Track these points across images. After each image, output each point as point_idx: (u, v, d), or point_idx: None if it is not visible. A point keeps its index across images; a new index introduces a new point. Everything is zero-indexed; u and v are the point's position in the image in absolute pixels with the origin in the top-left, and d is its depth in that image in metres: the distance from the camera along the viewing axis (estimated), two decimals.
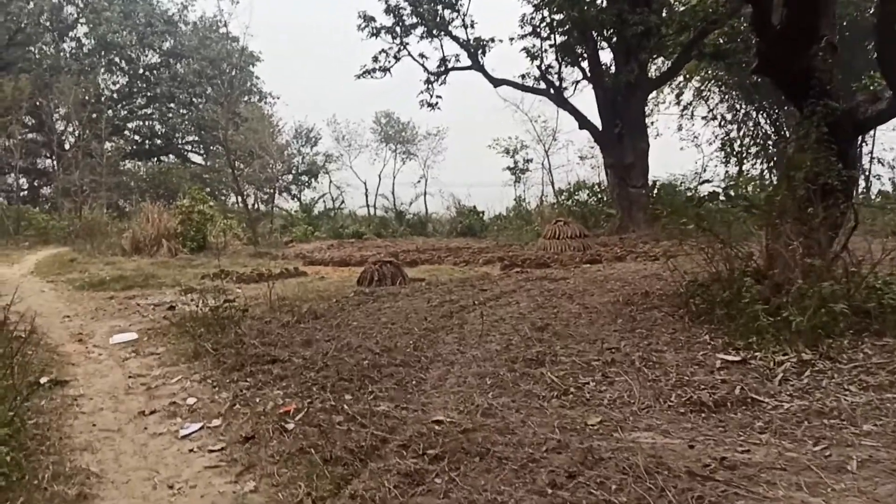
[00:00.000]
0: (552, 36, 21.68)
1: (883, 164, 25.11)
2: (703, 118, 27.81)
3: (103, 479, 3.58)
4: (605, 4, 19.25)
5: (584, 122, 21.64)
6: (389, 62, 24.26)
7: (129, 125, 38.77)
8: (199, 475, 3.58)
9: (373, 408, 4.23)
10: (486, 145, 29.99)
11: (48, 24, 33.41)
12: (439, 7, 23.05)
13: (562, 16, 20.25)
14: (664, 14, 18.98)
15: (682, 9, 18.45)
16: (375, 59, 24.23)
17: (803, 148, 6.67)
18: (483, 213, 28.58)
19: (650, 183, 21.51)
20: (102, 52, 34.69)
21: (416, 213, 32.75)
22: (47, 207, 30.08)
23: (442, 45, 24.00)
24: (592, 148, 26.75)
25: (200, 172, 37.46)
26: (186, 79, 35.71)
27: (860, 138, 10.32)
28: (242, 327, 6.86)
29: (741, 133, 27.33)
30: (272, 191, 32.51)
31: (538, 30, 21.85)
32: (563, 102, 22.54)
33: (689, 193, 21.75)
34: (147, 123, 39.91)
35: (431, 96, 24.55)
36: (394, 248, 19.56)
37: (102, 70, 35.71)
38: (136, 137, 38.91)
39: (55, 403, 4.87)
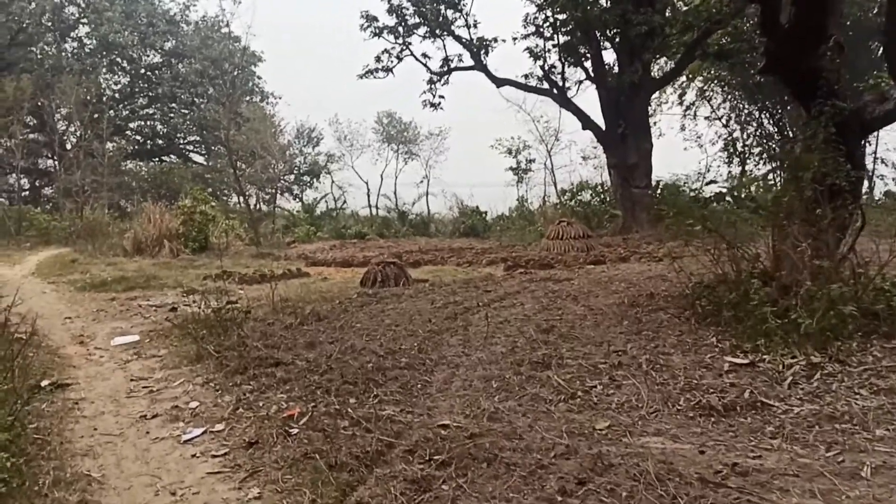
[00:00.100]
0: (555, 36, 21.59)
1: (886, 165, 25.07)
2: (706, 118, 27.79)
3: (105, 486, 3.53)
4: (608, 4, 19.16)
5: (587, 123, 21.56)
6: (392, 62, 24.20)
7: (131, 125, 38.74)
8: (202, 481, 3.53)
9: (378, 412, 4.18)
10: (488, 145, 29.99)
11: (50, 24, 33.38)
12: (442, 7, 22.97)
13: (565, 16, 20.15)
14: (668, 14, 18.90)
15: (685, 9, 18.37)
16: (378, 59, 24.17)
17: (810, 148, 6.60)
18: (486, 213, 28.53)
19: (653, 183, 21.43)
20: (104, 52, 34.65)
21: (419, 213, 32.67)
22: (49, 208, 30.07)
23: (445, 45, 23.95)
24: (595, 148, 26.75)
25: (202, 173, 37.43)
26: (188, 79, 35.66)
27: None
28: (245, 329, 6.81)
29: (744, 133, 27.30)
30: (274, 191, 32.49)
31: (541, 29, 21.77)
32: (566, 103, 22.46)
33: (692, 194, 21.72)
34: (149, 123, 39.88)
35: (434, 96, 24.48)
36: (396, 249, 19.49)
37: (104, 70, 35.66)
38: (138, 137, 38.85)
39: (56, 407, 4.83)
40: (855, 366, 4.69)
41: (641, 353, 5.40)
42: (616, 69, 21.22)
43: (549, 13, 21.07)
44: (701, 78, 26.20)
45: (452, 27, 23.27)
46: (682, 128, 28.29)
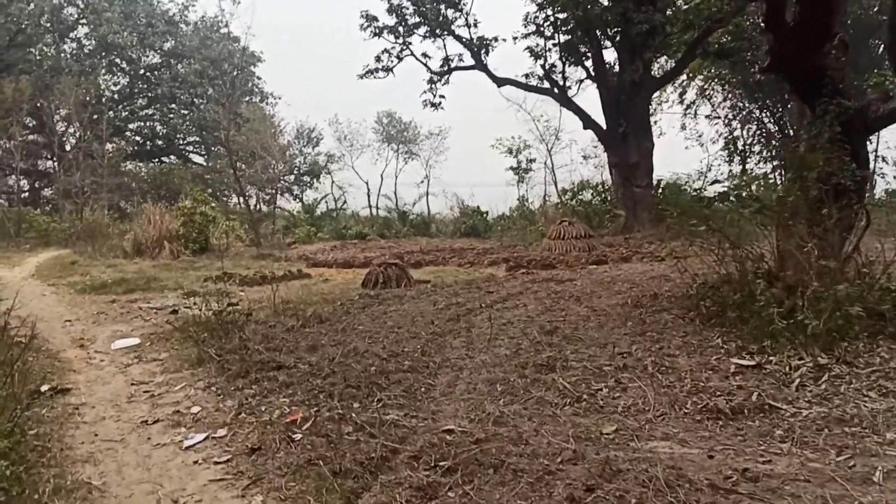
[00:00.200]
0: (556, 35, 21.57)
1: (888, 163, 25.02)
2: (707, 117, 27.75)
3: (105, 493, 3.49)
4: (609, 3, 19.13)
5: (588, 122, 21.53)
6: (392, 62, 24.18)
7: (131, 126, 38.71)
8: (205, 489, 3.49)
9: (382, 416, 4.13)
10: (488, 145, 29.97)
11: (49, 25, 33.34)
12: (442, 6, 22.94)
13: (565, 14, 20.13)
14: (669, 12, 18.84)
15: (686, 7, 18.29)
16: (378, 59, 24.15)
17: (815, 148, 6.56)
18: (487, 213, 28.49)
19: (654, 182, 21.39)
20: (103, 53, 34.62)
21: (419, 213, 32.66)
22: (48, 209, 30.04)
23: (445, 45, 23.96)
24: (596, 147, 26.73)
25: (202, 173, 37.40)
26: (187, 79, 35.60)
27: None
28: (246, 332, 6.76)
29: (745, 131, 27.25)
30: (274, 191, 32.44)
31: (542, 29, 21.75)
32: (566, 102, 22.43)
33: (694, 193, 21.66)
34: (148, 124, 39.87)
35: (435, 96, 24.49)
36: (398, 250, 19.46)
37: (103, 71, 35.65)
38: (138, 138, 38.85)
39: (56, 412, 4.79)
40: (862, 367, 4.65)
41: (646, 354, 5.35)
42: (617, 68, 21.21)
43: (549, 12, 21.06)
44: (701, 76, 26.16)
45: (453, 27, 23.25)
46: (683, 126, 28.29)
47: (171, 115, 38.52)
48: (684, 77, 25.55)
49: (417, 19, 23.39)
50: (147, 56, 37.24)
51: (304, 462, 3.57)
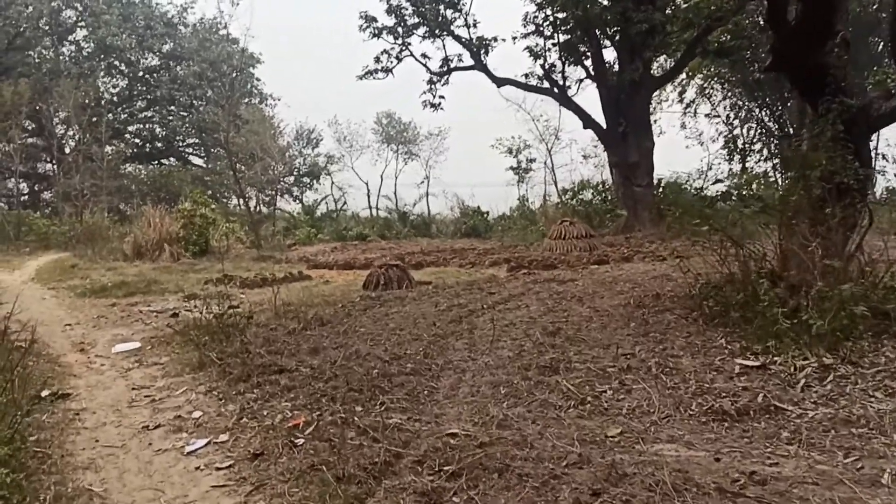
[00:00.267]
0: (555, 35, 21.52)
1: (888, 160, 24.97)
2: (707, 115, 27.71)
3: (107, 500, 3.46)
4: (608, 3, 19.09)
5: (588, 121, 21.49)
6: (391, 63, 24.13)
7: (130, 128, 38.61)
8: (207, 495, 3.46)
9: (385, 420, 4.10)
10: (488, 145, 29.90)
11: (47, 27, 33.28)
12: (441, 7, 22.90)
13: (565, 14, 20.09)
14: (668, 11, 18.81)
15: (686, 6, 18.27)
16: (377, 60, 24.10)
17: (817, 146, 6.54)
18: (487, 213, 28.45)
19: (655, 181, 21.36)
20: (102, 56, 34.54)
21: (420, 214, 32.61)
22: (48, 212, 29.98)
23: (444, 45, 23.89)
24: (596, 147, 26.69)
25: (202, 175, 37.31)
26: (186, 81, 35.55)
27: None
28: (248, 335, 6.73)
29: (744, 130, 27.21)
30: (274, 193, 32.39)
31: (541, 28, 21.70)
32: (566, 101, 22.39)
33: (694, 192, 21.65)
34: (147, 126, 39.79)
35: (434, 96, 24.43)
36: (398, 251, 19.43)
37: (102, 73, 35.57)
38: (137, 141, 38.76)
39: (57, 418, 4.76)
40: (867, 367, 4.62)
41: (650, 355, 5.32)
42: (616, 67, 21.17)
43: (548, 12, 21.02)
44: (701, 75, 26.11)
45: (452, 27, 23.21)
46: (683, 125, 28.24)
47: (171, 117, 38.47)
48: (684, 76, 25.50)
49: (416, 20, 23.34)
50: (146, 58, 37.19)
51: (306, 467, 3.54)
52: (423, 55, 24.14)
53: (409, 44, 23.95)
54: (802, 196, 6.31)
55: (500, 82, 23.34)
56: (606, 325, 6.56)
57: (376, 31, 23.58)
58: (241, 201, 29.84)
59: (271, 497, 3.32)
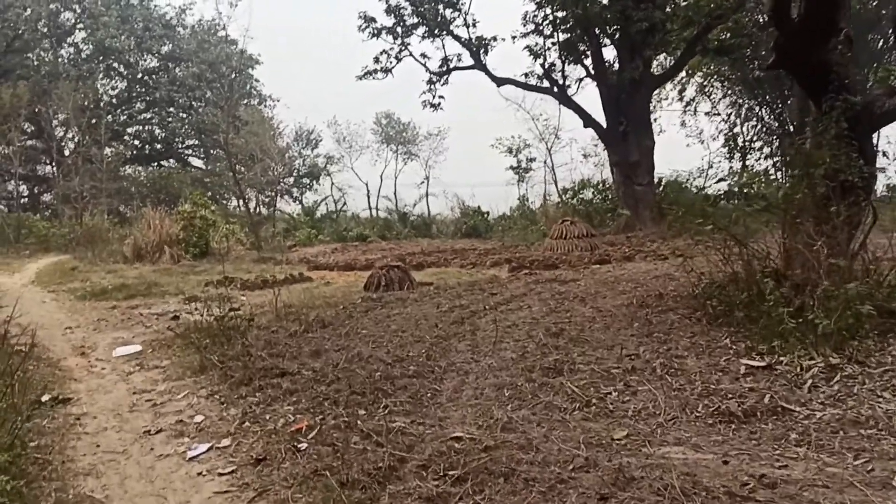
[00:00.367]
0: (555, 34, 21.46)
1: (888, 158, 24.90)
2: (707, 114, 27.67)
3: None
4: (608, 1, 19.04)
5: (588, 120, 21.44)
6: (391, 63, 24.05)
7: (129, 130, 38.57)
8: (210, 501, 3.42)
9: (388, 424, 4.06)
10: (488, 145, 29.83)
11: (46, 30, 33.23)
12: (440, 6, 22.84)
13: (564, 13, 20.05)
14: (668, 9, 18.77)
15: (686, 4, 18.24)
16: (377, 60, 24.02)
17: (821, 144, 6.50)
18: (487, 213, 28.39)
19: (655, 180, 21.32)
20: (101, 58, 34.50)
21: (420, 214, 32.55)
22: (48, 214, 29.95)
23: (444, 45, 23.81)
24: (596, 146, 26.62)
25: (201, 177, 37.27)
26: (185, 83, 35.51)
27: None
28: (249, 338, 6.69)
29: (744, 128, 27.18)
30: (274, 194, 32.35)
31: (541, 27, 21.64)
32: (566, 100, 22.32)
33: (695, 191, 21.61)
34: (147, 128, 39.74)
35: (434, 96, 24.35)
36: (399, 251, 19.40)
37: (101, 75, 35.50)
38: (136, 142, 38.74)
39: (57, 423, 4.72)
40: (874, 367, 4.58)
41: (655, 356, 5.28)
42: (616, 66, 21.11)
43: (548, 11, 20.97)
44: (701, 73, 26.08)
45: (451, 27, 23.13)
46: (683, 124, 28.21)
47: (170, 119, 38.43)
48: (683, 74, 25.46)
49: (416, 20, 23.27)
50: (145, 60, 37.15)
51: (310, 472, 3.50)
52: (423, 55, 24.10)
53: (409, 44, 23.90)
54: (806, 194, 6.27)
55: (499, 82, 23.28)
56: (610, 325, 6.52)
57: (375, 32, 23.51)
58: (241, 203, 29.83)
59: (274, 503, 3.28)
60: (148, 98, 37.95)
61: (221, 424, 4.50)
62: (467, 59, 23.62)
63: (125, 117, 37.69)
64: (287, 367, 5.58)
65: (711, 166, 25.60)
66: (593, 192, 23.75)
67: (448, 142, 35.82)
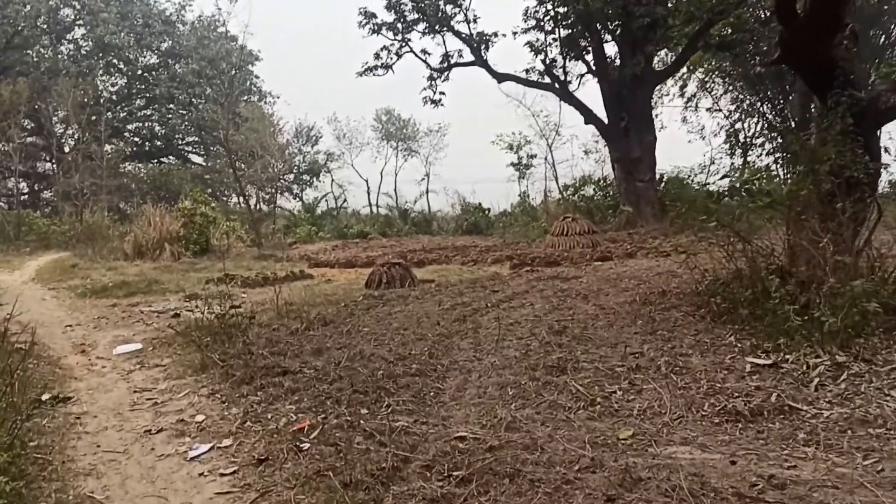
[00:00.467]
0: (556, 29, 21.38)
1: (889, 153, 24.82)
2: (708, 110, 27.57)
3: None
4: None
5: (589, 116, 21.36)
6: (391, 59, 23.94)
7: (129, 127, 38.49)
8: (211, 502, 3.38)
9: (391, 423, 4.02)
10: (488, 141, 29.71)
11: (45, 26, 33.14)
12: (441, 2, 22.74)
13: (566, 9, 19.97)
14: (670, 5, 18.68)
15: None
16: (377, 56, 23.92)
17: (826, 140, 6.45)
18: (488, 210, 28.32)
19: (657, 177, 21.26)
20: (100, 54, 34.38)
21: (421, 211, 32.48)
22: (48, 212, 29.90)
23: (444, 41, 23.71)
24: (597, 142, 26.53)
25: (201, 173, 37.20)
26: (185, 79, 35.39)
27: None
28: (250, 336, 6.66)
29: (745, 124, 27.09)
30: (274, 191, 32.28)
31: (542, 23, 21.55)
32: (568, 97, 22.24)
33: (697, 187, 21.54)
34: (147, 125, 39.68)
35: (435, 93, 24.26)
36: (400, 248, 19.37)
37: (101, 72, 35.40)
38: (136, 139, 38.63)
39: (57, 422, 4.68)
40: (881, 365, 4.55)
41: (659, 354, 5.24)
42: (618, 62, 21.03)
43: (549, 7, 20.89)
44: (702, 69, 25.98)
45: (452, 22, 23.02)
46: (684, 120, 28.11)
47: (170, 116, 38.36)
48: (685, 70, 25.38)
49: (416, 15, 23.17)
50: (144, 56, 37.04)
51: (312, 473, 3.46)
52: (423, 51, 24.00)
53: (409, 40, 23.81)
54: (811, 191, 6.22)
55: (500, 78, 23.19)
56: (613, 323, 6.48)
57: (376, 28, 23.42)
58: (241, 199, 29.72)
59: None
60: (148, 95, 37.89)
61: (223, 424, 4.46)
62: (468, 56, 23.53)
63: (125, 114, 37.65)
64: (289, 365, 5.54)
65: (713, 162, 25.55)
66: (594, 189, 23.68)
67: (448, 138, 35.75)
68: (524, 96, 28.09)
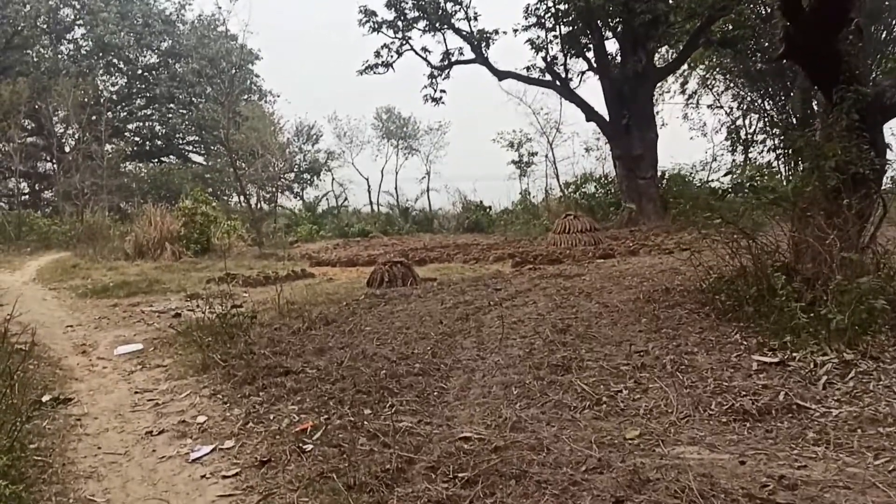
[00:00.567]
0: (557, 27, 21.30)
1: (892, 150, 24.76)
2: (709, 107, 27.50)
3: None
4: None
5: (590, 114, 21.30)
6: (392, 57, 23.87)
7: (129, 127, 38.41)
8: None
9: (395, 424, 3.97)
10: (489, 139, 29.57)
11: (45, 26, 33.05)
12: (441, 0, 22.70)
13: (567, 6, 19.91)
14: (671, 2, 18.62)
15: None
16: (377, 55, 23.86)
17: (831, 136, 6.40)
18: (490, 208, 28.25)
19: (659, 174, 21.20)
20: (100, 54, 34.30)
21: (422, 209, 32.37)
22: (49, 212, 29.84)
23: (445, 39, 23.63)
24: (598, 139, 26.45)
25: (202, 173, 37.11)
26: (185, 79, 35.30)
27: None
28: (251, 335, 6.61)
29: (746, 121, 27.02)
30: (275, 190, 32.20)
31: (542, 20, 21.47)
32: (569, 94, 22.17)
33: (699, 184, 21.48)
34: (147, 124, 39.59)
35: (435, 91, 24.18)
36: (401, 247, 19.30)
37: (101, 72, 35.30)
38: (137, 139, 38.54)
39: (58, 424, 4.64)
40: (889, 362, 4.51)
41: (664, 352, 5.20)
42: (619, 59, 20.97)
43: (550, 4, 20.83)
44: (703, 66, 25.91)
45: (452, 20, 22.95)
46: (685, 117, 28.04)
47: (170, 115, 38.26)
48: (686, 67, 25.30)
49: (417, 13, 23.09)
50: (144, 56, 36.93)
51: (316, 475, 3.42)
52: (424, 49, 23.93)
53: (410, 38, 23.73)
54: (817, 187, 6.18)
55: (501, 75, 23.12)
56: (617, 321, 6.43)
57: (376, 26, 23.35)
58: (242, 199, 29.63)
59: None
60: (148, 94, 37.79)
61: (225, 425, 4.42)
62: (468, 53, 23.45)
63: (125, 114, 37.56)
64: (291, 365, 5.50)
65: (715, 159, 25.49)
66: (596, 186, 23.60)
67: (449, 136, 35.56)
68: (525, 94, 28.00)
